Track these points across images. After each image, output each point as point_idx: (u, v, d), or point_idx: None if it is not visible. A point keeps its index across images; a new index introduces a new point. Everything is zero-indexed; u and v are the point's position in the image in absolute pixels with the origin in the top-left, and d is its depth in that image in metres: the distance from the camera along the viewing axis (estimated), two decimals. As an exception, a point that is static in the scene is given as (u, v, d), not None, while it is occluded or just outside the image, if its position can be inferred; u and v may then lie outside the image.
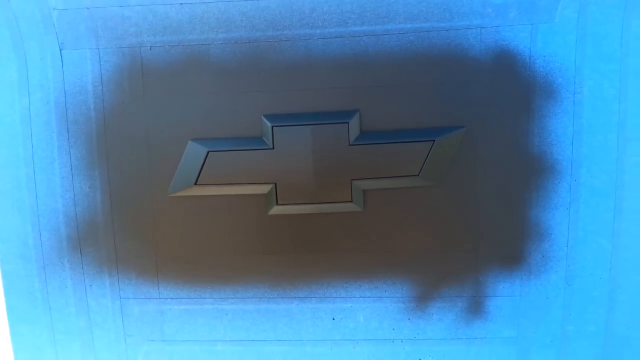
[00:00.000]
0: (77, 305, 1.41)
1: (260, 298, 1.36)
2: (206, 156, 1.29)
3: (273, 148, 1.27)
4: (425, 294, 1.34)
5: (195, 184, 1.30)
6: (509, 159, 1.28)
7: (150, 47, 1.35)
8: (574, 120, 1.29)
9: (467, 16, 1.28)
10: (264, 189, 1.29)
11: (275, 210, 1.30)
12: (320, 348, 1.37)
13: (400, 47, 1.25)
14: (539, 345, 1.35)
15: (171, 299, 1.38)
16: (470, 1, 1.27)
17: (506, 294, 1.33)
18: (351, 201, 1.28)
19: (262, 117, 1.27)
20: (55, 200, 1.37)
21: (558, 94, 1.31)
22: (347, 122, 1.25)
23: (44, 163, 1.36)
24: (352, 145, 1.25)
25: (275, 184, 1.28)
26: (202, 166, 1.30)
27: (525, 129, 1.27)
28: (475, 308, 1.34)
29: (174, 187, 1.31)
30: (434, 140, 1.25)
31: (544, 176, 1.33)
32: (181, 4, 1.33)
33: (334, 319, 1.36)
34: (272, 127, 1.27)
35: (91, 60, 1.32)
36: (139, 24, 1.34)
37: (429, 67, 1.26)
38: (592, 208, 1.28)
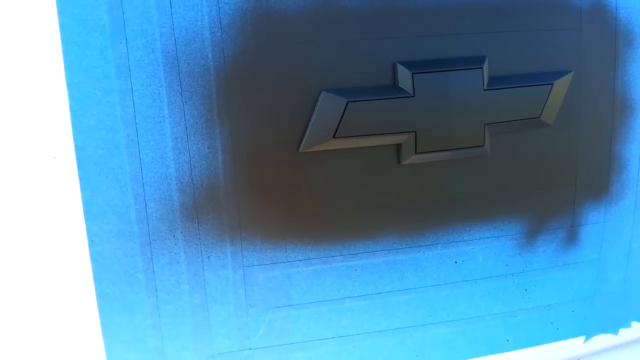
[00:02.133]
0: (191, 281, 1.12)
1: (388, 250, 1.21)
2: (346, 107, 1.09)
3: (414, 96, 1.12)
4: (534, 229, 1.29)
5: (334, 137, 1.11)
6: (601, 100, 1.27)
7: None
8: None
9: (575, -33, 1.30)
10: (403, 137, 1.13)
11: (414, 159, 1.15)
12: (443, 292, 1.26)
13: None
14: (614, 264, 1.38)
15: (299, 260, 1.17)
16: (579, -48, 1.29)
17: (594, 222, 1.33)
18: (483, 145, 1.18)
19: (398, 64, 1.11)
20: (166, 165, 1.06)
21: (635, 41, 1.27)
22: (482, 68, 1.14)
23: (150, 123, 1.04)
24: (486, 90, 1.15)
25: (415, 132, 1.14)
26: (342, 118, 1.10)
27: (612, 72, 1.27)
28: (572, 237, 1.32)
29: (308, 141, 1.09)
30: (552, 84, 1.19)
31: (624, 114, 1.30)
32: (319, -60, 1.14)
33: (456, 262, 1.26)
34: (413, 74, 1.10)
35: (207, 1, 1.02)
36: (269, -39, 1.12)
37: (542, 14, 1.19)
38: None
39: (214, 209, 1.10)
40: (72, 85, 1.02)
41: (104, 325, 1.10)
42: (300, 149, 1.10)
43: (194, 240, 1.10)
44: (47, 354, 1.13)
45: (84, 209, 1.06)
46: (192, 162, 1.07)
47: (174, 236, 1.10)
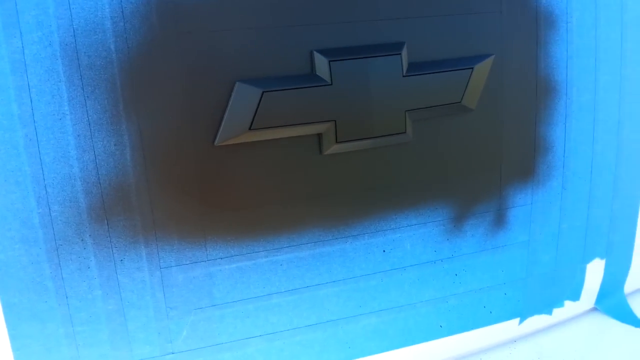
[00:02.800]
0: (104, 286, 1.05)
1: (315, 242, 1.17)
2: (261, 97, 1.04)
3: (331, 84, 1.07)
4: (461, 214, 1.28)
5: (250, 128, 1.06)
6: (523, 82, 1.26)
7: None
8: (567, 46, 1.28)
9: (492, -52, 1.27)
10: (323, 127, 1.09)
11: (335, 148, 1.11)
12: (372, 281, 1.24)
13: None
14: (544, 245, 1.38)
15: (221, 258, 1.11)
16: None
17: (521, 204, 1.32)
18: (405, 132, 1.15)
19: (315, 52, 1.07)
20: (69, 164, 0.99)
21: (556, 23, 1.26)
22: (400, 54, 1.10)
23: (50, 121, 0.97)
24: (405, 76, 1.12)
25: (335, 120, 1.09)
26: (257, 109, 1.05)
27: (534, 55, 1.26)
28: (500, 220, 1.32)
29: (223, 134, 1.04)
30: (472, 68, 1.17)
31: (547, 96, 1.29)
32: None
33: (384, 251, 1.23)
34: (330, 61, 1.06)
35: None
36: (170, -55, 1.05)
37: (461, -2, 1.26)
38: (580, 121, 1.33)
39: (125, 210, 1.04)
40: (-39, 83, 0.94)
41: (13, 336, 1.03)
42: (216, 143, 1.05)
43: (105, 244, 1.04)
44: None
45: (-19, 215, 0.98)
46: (97, 160, 1.01)
47: (82, 240, 1.03)
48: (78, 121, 0.99)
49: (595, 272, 1.49)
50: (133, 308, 1.09)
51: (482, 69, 1.19)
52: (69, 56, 0.97)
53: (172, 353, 1.13)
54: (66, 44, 0.96)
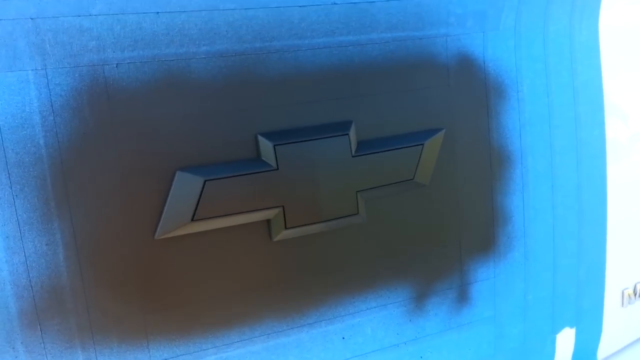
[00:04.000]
0: (38, 398, 0.96)
1: (268, 334, 1.09)
2: (203, 186, 0.98)
3: (277, 169, 1.03)
4: (422, 293, 1.21)
5: (193, 219, 0.99)
6: (477, 154, 1.23)
7: (117, 64, 0.94)
8: (519, 115, 1.25)
9: (435, 25, 1.22)
10: (271, 213, 1.03)
11: (284, 234, 1.05)
12: (332, 371, 1.11)
13: (383, 56, 1.11)
14: (511, 318, 1.31)
15: (165, 359, 1.05)
16: (438, 11, 1.21)
17: (484, 278, 1.27)
18: (357, 213, 1.09)
19: (259, 136, 1.02)
20: (-3, 268, 0.91)
21: (506, 92, 1.23)
22: (347, 134, 1.07)
23: (-25, 222, 0.89)
24: (355, 156, 1.08)
25: (283, 206, 1.04)
26: (200, 198, 0.98)
27: (486, 126, 1.23)
28: (462, 296, 1.25)
29: (163, 227, 0.97)
30: (422, 144, 1.14)
31: (502, 166, 1.25)
32: (157, 12, 1.03)
33: (343, 338, 1.15)
34: (274, 145, 1.02)
35: (36, 84, 0.90)
36: (102, 37, 0.99)
37: (407, 74, 1.14)
38: (538, 189, 1.29)
39: (59, 312, 0.95)
40: None
41: None
42: (156, 236, 0.98)
43: (39, 351, 0.95)
44: None
45: None
46: (28, 262, 0.92)
47: (13, 348, 0.94)
48: (6, 222, 0.92)
49: (566, 341, 1.42)
50: (70, 421, 0.98)
51: (433, 143, 1.15)
52: (-5, 154, 0.90)
53: None
54: (-9, 141, 0.90)
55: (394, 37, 1.13)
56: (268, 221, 1.05)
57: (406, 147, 1.12)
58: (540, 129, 1.29)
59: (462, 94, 1.21)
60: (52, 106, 0.92)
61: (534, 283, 1.32)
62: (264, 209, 1.03)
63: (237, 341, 1.07)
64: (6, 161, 0.91)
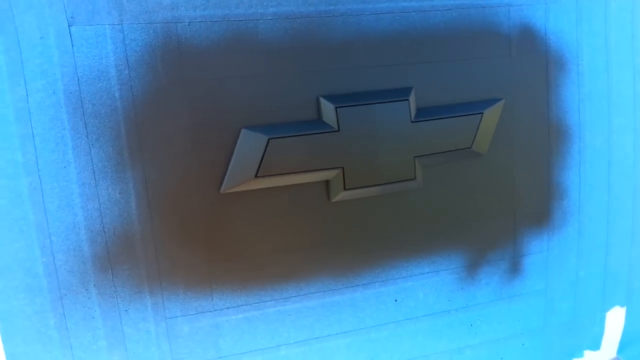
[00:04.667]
0: (108, 337, 1.00)
1: (324, 291, 1.11)
2: (267, 144, 1.00)
3: (339, 130, 1.03)
4: (475, 262, 1.21)
5: (256, 176, 1.02)
6: (535, 126, 1.20)
7: (189, 22, 0.96)
8: (579, 89, 1.23)
9: (499, -6, 1.23)
10: (330, 174, 1.04)
11: (342, 196, 1.06)
12: (384, 332, 1.16)
13: (445, 23, 1.10)
14: (561, 293, 1.29)
15: (227, 308, 1.05)
16: (502, -20, 1.23)
17: (537, 251, 1.25)
18: (414, 179, 1.10)
19: (321, 98, 1.03)
20: (73, 213, 0.95)
21: (566, 66, 1.21)
22: (407, 99, 1.06)
23: (54, 169, 0.93)
24: (414, 122, 1.07)
25: (343, 167, 1.05)
26: (263, 156, 1.01)
27: (545, 98, 1.21)
28: (515, 267, 1.24)
29: (228, 182, 1.00)
30: (482, 113, 1.13)
31: (560, 140, 1.23)
32: (229, -28, 1.05)
33: (396, 300, 1.16)
34: (336, 107, 1.02)
35: (112, 38, 0.93)
36: (177, -5, 1.02)
37: (468, 43, 1.13)
38: (595, 166, 1.27)
39: (130, 259, 0.99)
40: (-33, 132, 0.91)
41: (15, 390, 0.97)
42: (222, 190, 1.01)
43: (110, 293, 0.99)
44: None
45: (-17, 265, 0.93)
46: (102, 209, 0.96)
47: (86, 289, 0.98)
48: (82, 169, 0.95)
49: (615, 320, 1.39)
50: (138, 359, 1.02)
51: (493, 113, 1.14)
52: (73, 104, 0.94)
53: (176, 408, 1.06)
54: (70, 92, 0.94)
55: (456, 4, 1.11)
56: (327, 182, 1.06)
57: (465, 115, 1.11)
58: (598, 105, 1.26)
59: (523, 65, 1.19)
60: (127, 60, 0.95)
61: (586, 259, 1.30)
62: (324, 169, 1.04)
63: (295, 296, 1.09)
64: (83, 112, 0.94)
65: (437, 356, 1.20)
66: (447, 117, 1.09)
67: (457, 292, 1.19)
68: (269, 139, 0.99)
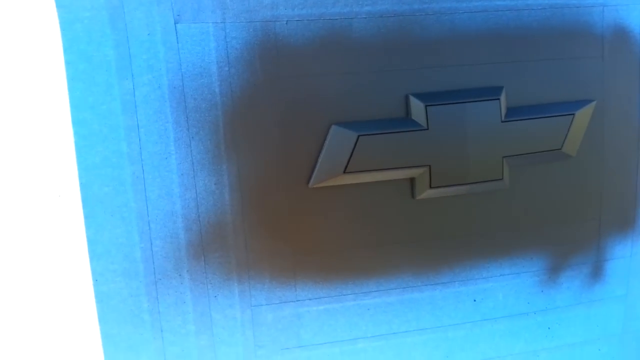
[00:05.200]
0: (197, 322, 1.06)
1: (404, 288, 1.13)
2: (356, 141, 1.03)
3: (428, 128, 1.05)
4: (557, 265, 1.21)
5: (344, 172, 1.04)
6: (626, 129, 1.19)
7: (287, 21, 1.00)
8: None
9: (594, -6, 1.22)
10: (417, 172, 1.06)
11: (428, 193, 1.07)
12: (461, 331, 1.18)
13: (538, 23, 1.10)
14: (643, 300, 1.27)
15: (309, 299, 1.10)
16: (598, -21, 1.22)
17: (619, 256, 1.24)
18: (502, 179, 1.10)
19: (411, 96, 1.05)
20: (172, 202, 1.01)
21: (660, 69, 1.30)
22: (499, 99, 1.07)
23: (157, 159, 0.99)
24: (504, 121, 1.08)
25: (430, 165, 1.07)
26: (352, 152, 1.03)
27: (636, 101, 1.19)
28: (597, 272, 1.23)
29: (318, 176, 1.03)
30: (573, 114, 1.12)
31: (651, 145, 1.32)
32: (328, -29, 1.08)
33: (475, 300, 1.18)
34: (426, 106, 1.04)
35: (215, 36, 0.97)
36: (276, -6, 1.07)
37: (561, 43, 1.12)
38: None
39: (222, 247, 1.04)
40: (77, 123, 0.98)
41: (110, 366, 1.04)
42: (310, 185, 1.04)
43: (201, 279, 1.04)
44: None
45: (88, 248, 1.00)
46: (198, 198, 1.02)
47: (180, 275, 1.04)
48: (182, 160, 1.01)
49: (698, 331, 1.36)
50: (223, 345, 1.08)
51: (584, 114, 1.13)
52: (177, 98, 0.99)
53: (259, 392, 1.11)
54: (174, 87, 0.99)
55: (550, 3, 1.11)
56: (412, 179, 1.09)
57: (556, 115, 1.11)
58: (692, 110, 1.23)
59: (616, 66, 1.17)
60: (228, 57, 0.99)
61: (672, 267, 1.28)
62: (411, 166, 1.06)
63: (375, 291, 1.12)
64: (185, 106, 0.99)
65: (513, 357, 1.21)
66: (538, 118, 1.09)
67: (536, 294, 1.20)
68: (358, 136, 1.02)
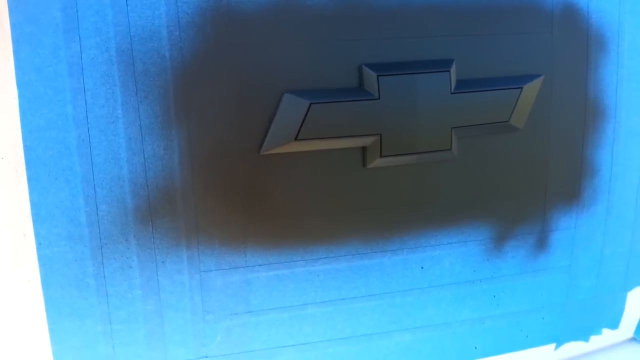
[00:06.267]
0: (144, 286, 1.08)
1: (353, 255, 1.17)
2: (308, 109, 1.05)
3: (379, 98, 1.07)
4: (502, 234, 1.26)
5: (296, 139, 1.07)
6: (572, 104, 1.24)
7: None
8: (618, 69, 1.27)
9: (545, -31, 1.25)
10: (368, 140, 1.09)
11: (378, 162, 1.11)
12: (409, 298, 1.23)
13: None
14: (585, 270, 1.35)
15: (259, 265, 1.12)
16: (549, -47, 1.25)
17: (565, 227, 1.30)
18: (450, 149, 1.14)
19: (364, 66, 1.07)
20: (119, 166, 1.02)
21: (607, 45, 1.25)
22: (449, 71, 1.10)
23: (103, 123, 0.99)
24: (453, 93, 1.11)
25: (381, 134, 1.10)
26: (304, 120, 1.05)
27: (584, 77, 1.24)
28: (541, 243, 1.29)
29: (269, 143, 1.05)
30: (521, 87, 1.16)
31: (596, 119, 1.27)
32: None
33: (422, 267, 1.23)
34: (378, 76, 1.07)
35: (165, 0, 1.02)
36: (228, -44, 1.07)
37: (511, 17, 1.16)
38: (628, 145, 1.31)
39: (170, 212, 1.06)
40: (22, 85, 0.98)
41: (52, 331, 1.06)
42: (261, 152, 1.07)
43: (148, 245, 1.06)
44: (-5, 360, 1.09)
45: (32, 211, 1.01)
46: (146, 163, 1.03)
47: (126, 240, 1.05)
48: (130, 125, 1.01)
49: (636, 300, 1.45)
50: (171, 310, 1.10)
51: (531, 89, 1.18)
52: (125, 62, 0.99)
53: (206, 357, 1.14)
54: (122, 50, 0.99)
55: (503, -23, 1.14)
56: (363, 148, 1.12)
57: (505, 89, 1.15)
58: (636, 86, 1.30)
59: (564, 42, 1.23)
60: (178, 22, 1.00)
61: (613, 238, 1.35)
62: (362, 135, 1.09)
63: (324, 257, 1.15)
64: (134, 69, 0.99)
65: (459, 324, 1.27)
66: (486, 90, 1.13)
67: (482, 263, 1.25)
68: (310, 104, 1.04)
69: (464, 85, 1.13)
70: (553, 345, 1.40)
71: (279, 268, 1.14)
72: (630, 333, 1.50)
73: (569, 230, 1.31)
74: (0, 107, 0.99)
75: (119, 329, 1.09)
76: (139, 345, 1.10)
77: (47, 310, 1.05)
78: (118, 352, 1.10)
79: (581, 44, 1.24)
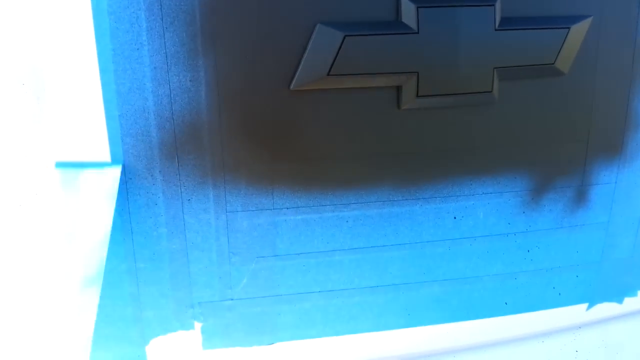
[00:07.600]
0: (169, 224, 1.02)
1: (383, 202, 1.10)
2: (342, 42, 0.97)
3: (418, 32, 0.99)
4: (540, 186, 1.18)
5: (328, 74, 0.99)
6: (621, 49, 1.15)
7: None
8: None
9: None
10: (404, 79, 1.01)
11: (413, 103, 1.03)
12: (439, 248, 1.16)
13: None
14: (624, 228, 1.27)
15: (287, 208, 1.06)
16: None
17: (605, 182, 1.22)
18: (491, 91, 1.05)
19: (402, -3, 0.95)
20: (143, 97, 0.95)
21: (663, -13, 1.25)
22: (494, 5, 1.01)
23: (127, 50, 0.93)
24: (497, 30, 1.02)
25: (418, 73, 1.01)
26: (337, 54, 0.97)
27: (635, 21, 1.14)
28: (580, 197, 1.21)
29: (300, 78, 0.98)
30: (569, 28, 1.07)
31: (645, 68, 1.28)
32: None
33: (455, 217, 1.15)
34: (418, 8, 0.98)
35: None
36: None
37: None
38: None
39: (196, 148, 0.99)
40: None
41: (76, 267, 1.00)
42: (292, 87, 0.99)
43: (174, 181, 1.00)
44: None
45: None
46: (172, 95, 0.96)
47: (152, 175, 0.99)
48: (155, 52, 0.95)
49: (675, 262, 1.36)
50: (196, 250, 1.05)
51: (579, 30, 1.08)
52: (151, -16, 0.92)
53: (231, 299, 1.09)
54: (149, -29, 0.91)
55: None
56: (399, 88, 1.04)
57: (552, 28, 1.05)
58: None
59: (616, -17, 1.12)
60: (207, -58, 0.92)
61: (656, 197, 1.26)
62: (398, 72, 1.01)
63: (354, 203, 1.09)
64: (160, -8, 0.92)
65: (490, 278, 1.20)
66: (532, 29, 1.04)
67: (518, 215, 1.18)
68: (344, 36, 0.97)
69: (508, 22, 1.04)
70: (585, 305, 1.32)
71: (307, 212, 1.08)
72: (665, 297, 1.42)
73: (609, 185, 1.23)
74: (22, 30, 0.92)
75: (144, 267, 1.04)
76: (163, 285, 1.05)
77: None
78: (143, 291, 1.05)
79: (634, -14, 1.14)
